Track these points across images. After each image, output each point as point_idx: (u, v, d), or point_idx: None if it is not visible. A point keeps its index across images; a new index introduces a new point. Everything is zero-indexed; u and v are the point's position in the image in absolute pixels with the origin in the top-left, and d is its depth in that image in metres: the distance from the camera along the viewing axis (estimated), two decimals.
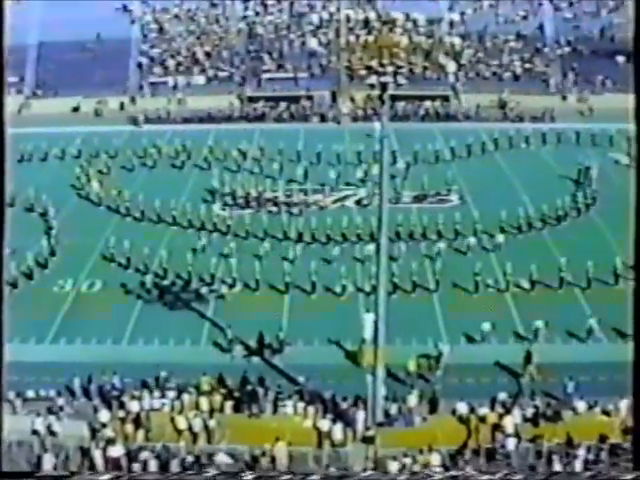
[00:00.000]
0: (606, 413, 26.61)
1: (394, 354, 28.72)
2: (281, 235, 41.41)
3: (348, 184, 48.90)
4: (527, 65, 69.87)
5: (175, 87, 68.47)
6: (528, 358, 29.63)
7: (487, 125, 60.47)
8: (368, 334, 30.60)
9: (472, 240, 40.19)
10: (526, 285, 36.23)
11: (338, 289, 36.09)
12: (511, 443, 25.80)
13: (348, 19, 70.45)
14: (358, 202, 46.42)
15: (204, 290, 36.51)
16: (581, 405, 27.12)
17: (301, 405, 27.69)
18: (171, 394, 28.23)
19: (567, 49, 70.69)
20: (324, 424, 26.78)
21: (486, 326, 32.21)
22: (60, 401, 27.64)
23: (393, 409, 27.44)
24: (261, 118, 63.87)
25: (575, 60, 69.20)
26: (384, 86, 25.30)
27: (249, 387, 28.30)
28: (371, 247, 37.63)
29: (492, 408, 27.26)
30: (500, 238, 40.58)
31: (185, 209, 43.67)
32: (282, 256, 39.08)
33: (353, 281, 36.60)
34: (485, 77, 69.41)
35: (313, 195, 46.66)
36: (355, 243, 40.39)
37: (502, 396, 27.72)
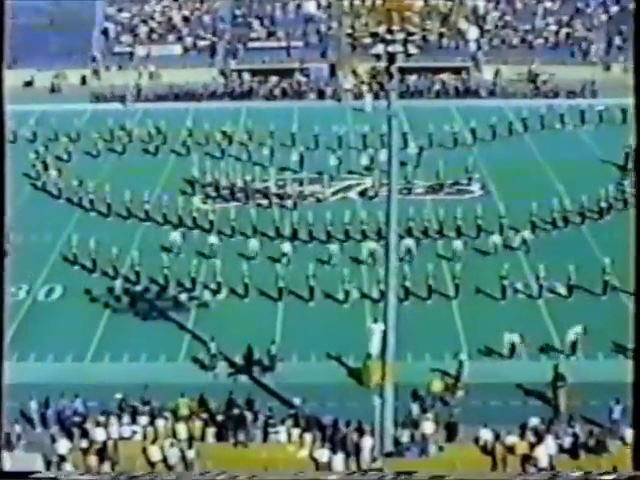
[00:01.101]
0: None
1: (405, 371, 28.74)
2: (273, 232, 41.45)
3: (351, 172, 48.99)
4: (565, 29, 69.73)
5: (147, 58, 68.51)
6: (558, 377, 29.57)
7: (515, 102, 60.46)
8: (375, 348, 30.72)
9: (497, 238, 40.23)
10: (562, 290, 36.31)
11: (340, 295, 36.14)
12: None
13: None
14: (362, 193, 46.53)
15: (183, 297, 36.60)
16: (630, 433, 26.75)
17: (296, 432, 27.73)
18: (143, 420, 28.23)
19: (615, 9, 70.40)
20: (323, 454, 26.80)
21: (515, 338, 32.23)
22: (10, 429, 27.47)
23: (404, 436, 27.48)
24: (248, 95, 64.01)
25: (624, 22, 68.48)
26: (392, 57, 25.18)
27: (235, 411, 28.30)
28: (378, 246, 37.81)
29: (522, 436, 27.30)
30: (530, 235, 40.59)
31: (160, 202, 43.70)
32: (274, 257, 39.11)
33: (358, 286, 36.67)
34: (513, 45, 69.45)
35: (310, 185, 46.69)
36: (360, 241, 40.42)
37: (534, 421, 27.71)
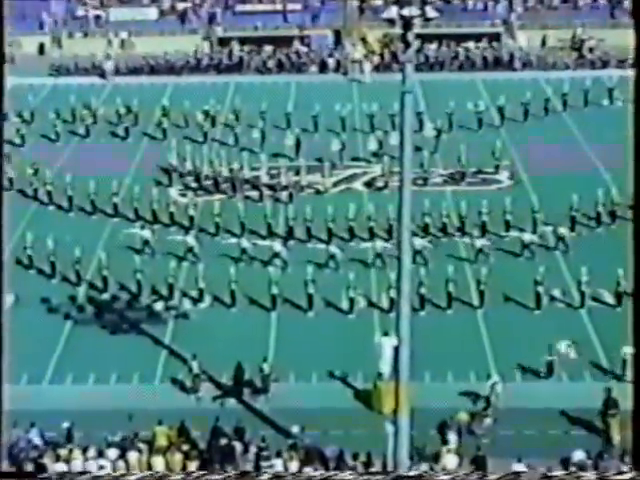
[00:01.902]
0: None
1: (423, 394, 28.94)
2: (264, 230, 41.58)
3: (356, 159, 49.18)
4: None
5: (117, 24, 68.56)
6: (610, 402, 29.62)
7: (554, 74, 60.62)
8: (386, 366, 30.93)
9: (530, 236, 40.30)
10: (609, 298, 36.46)
11: (344, 304, 36.31)
12: None
13: None
14: (370, 184, 46.72)
15: (159, 306, 36.76)
16: None
17: (294, 465, 27.79)
18: (113, 453, 28.31)
19: None
20: None
21: (554, 355, 32.31)
22: None
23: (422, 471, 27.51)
24: (237, 67, 64.15)
25: None
26: (408, 22, 25.20)
27: (222, 441, 28.43)
28: (389, 246, 37.98)
29: (566, 471, 27.06)
30: (570, 232, 40.71)
31: (131, 194, 43.84)
32: (266, 259, 39.25)
33: (365, 293, 36.86)
34: (553, 5, 69.36)
35: (308, 175, 46.78)
36: (367, 240, 40.58)
37: (579, 455, 27.87)
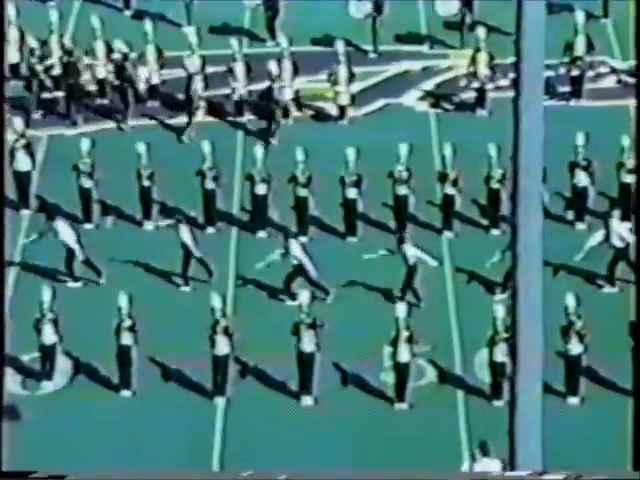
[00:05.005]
0: None
1: None
2: (201, 215, 41.40)
3: (407, 38, 49.75)
4: None
5: None
6: None
7: None
8: None
9: None
10: None
11: (386, 376, 35.46)
12: None
13: None
14: (439, 95, 47.03)
15: None
16: None
17: None
18: None
19: None
20: None
21: None
22: None
23: None
24: None
25: None
26: None
27: None
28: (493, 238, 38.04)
29: None
30: None
31: None
32: (207, 278, 39.17)
33: (434, 350, 36.21)
34: None
35: (302, 77, 46.92)
36: (438, 230, 40.79)
37: None
